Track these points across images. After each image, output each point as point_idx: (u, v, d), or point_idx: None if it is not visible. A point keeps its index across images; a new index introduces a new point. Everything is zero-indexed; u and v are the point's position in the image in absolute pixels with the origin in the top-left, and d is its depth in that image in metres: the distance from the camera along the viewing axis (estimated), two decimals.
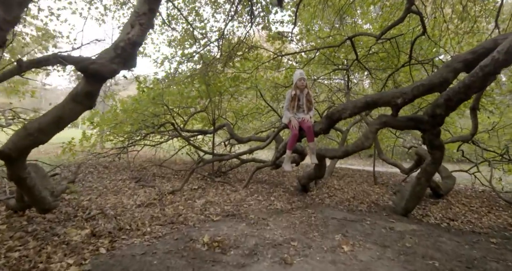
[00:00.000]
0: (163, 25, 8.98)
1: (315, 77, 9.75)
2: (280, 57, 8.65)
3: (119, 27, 9.21)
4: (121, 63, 2.95)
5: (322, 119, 5.20)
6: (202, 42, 8.16)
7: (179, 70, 8.64)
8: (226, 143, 9.30)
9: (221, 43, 7.56)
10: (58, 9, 7.41)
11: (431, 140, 4.86)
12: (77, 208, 4.81)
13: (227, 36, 8.80)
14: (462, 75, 5.34)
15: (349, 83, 10.19)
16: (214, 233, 3.89)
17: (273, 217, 4.85)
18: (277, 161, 6.58)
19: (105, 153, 8.93)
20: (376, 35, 6.57)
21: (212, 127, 9.01)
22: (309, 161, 5.28)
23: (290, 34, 7.91)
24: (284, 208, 5.44)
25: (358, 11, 8.77)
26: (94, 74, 2.80)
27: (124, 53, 2.92)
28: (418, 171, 6.87)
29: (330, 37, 8.36)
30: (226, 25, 6.97)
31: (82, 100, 2.88)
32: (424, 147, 12.13)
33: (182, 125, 9.07)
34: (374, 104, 4.76)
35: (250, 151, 6.68)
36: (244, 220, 4.65)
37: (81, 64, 2.76)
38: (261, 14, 8.80)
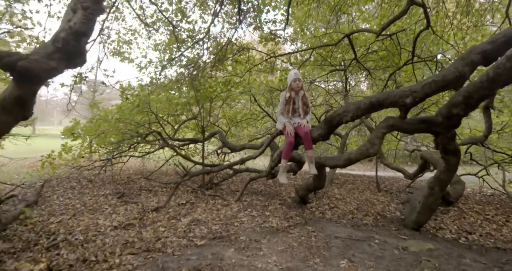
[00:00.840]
0: (147, 28, 8.34)
1: (311, 79, 9.10)
2: (273, 59, 8.01)
3: (101, 31, 8.52)
4: (63, 60, 2.28)
5: (320, 124, 4.53)
6: (190, 44, 7.52)
7: (167, 74, 8.02)
8: (219, 151, 8.61)
9: (207, 42, 6.90)
10: (31, 11, 6.70)
11: (445, 144, 4.19)
12: (41, 234, 4.10)
13: (217, 39, 8.18)
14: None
15: (347, 85, 9.57)
16: (195, 263, 3.19)
17: (267, 238, 4.15)
18: (273, 171, 5.91)
19: (89, 165, 8.22)
20: (376, 31, 5.92)
21: (200, 135, 8.37)
22: (308, 168, 4.64)
23: (283, 33, 7.27)
24: (280, 225, 4.73)
25: (354, 8, 8.12)
26: (24, 74, 2.13)
27: (67, 46, 2.25)
28: (428, 177, 6.22)
29: (326, 35, 7.73)
30: (212, 22, 6.31)
31: (11, 108, 2.20)
32: (425, 148, 11.47)
33: (172, 134, 8.40)
34: (379, 105, 4.09)
35: (242, 161, 5.99)
36: (233, 243, 3.94)
37: (6, 61, 2.09)
38: (252, 14, 8.20)
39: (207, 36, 6.58)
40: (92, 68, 5.38)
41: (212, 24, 7.24)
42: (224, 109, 9.96)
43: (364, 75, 9.12)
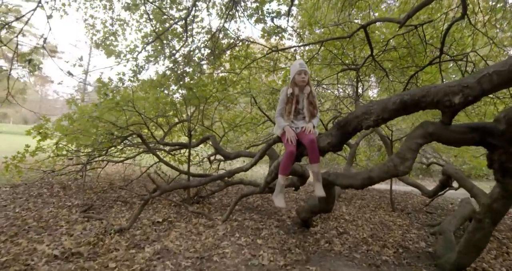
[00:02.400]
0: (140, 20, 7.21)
1: (318, 79, 7.84)
2: (276, 54, 6.83)
3: (85, 20, 7.42)
4: None
5: (331, 130, 3.32)
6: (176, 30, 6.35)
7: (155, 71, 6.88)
8: (211, 158, 7.40)
9: (191, 24, 5.71)
10: None
11: (504, 162, 2.94)
12: None
13: (211, 31, 7.03)
14: None
15: (359, 88, 8.29)
16: None
17: None
18: (270, 184, 4.69)
19: (61, 170, 7.03)
20: (400, 20, 4.68)
21: (195, 140, 7.21)
22: (313, 184, 3.45)
23: (286, 22, 6.09)
24: (273, 264, 3.45)
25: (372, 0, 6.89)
26: None
27: None
28: (452, 195, 5.05)
29: (338, 28, 6.53)
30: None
31: None
32: (436, 161, 10.13)
33: (161, 138, 7.22)
34: (414, 105, 2.87)
35: (229, 174, 4.77)
36: None
37: None
38: (254, 5, 7.06)
39: (190, 17, 5.34)
40: (35, 47, 4.23)
41: (207, 13, 6.12)
42: (221, 112, 8.78)
43: (378, 77, 7.82)
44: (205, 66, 7.62)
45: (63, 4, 6.90)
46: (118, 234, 4.13)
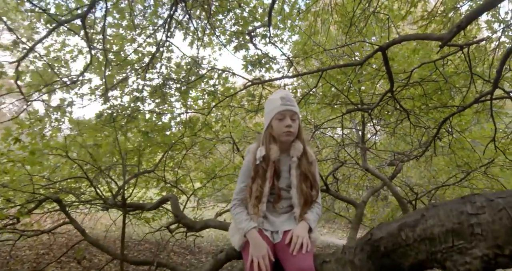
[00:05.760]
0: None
1: (315, 123, 5.88)
2: (260, 89, 4.96)
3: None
4: None
5: (353, 255, 1.29)
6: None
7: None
8: (172, 227, 5.28)
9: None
10: None
11: None
12: None
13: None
14: None
15: (365, 132, 6.43)
16: None
17: None
18: None
19: None
20: (441, 37, 2.77)
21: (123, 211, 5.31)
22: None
23: (269, 33, 4.31)
24: None
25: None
26: None
27: None
28: None
29: (341, 57, 4.73)
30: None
31: None
32: None
33: (111, 197, 5.18)
34: None
35: None
36: None
37: None
38: (234, 27, 5.40)
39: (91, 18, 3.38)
40: None
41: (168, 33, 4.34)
42: (195, 160, 6.80)
43: (395, 120, 5.84)
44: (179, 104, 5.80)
45: None
46: None
